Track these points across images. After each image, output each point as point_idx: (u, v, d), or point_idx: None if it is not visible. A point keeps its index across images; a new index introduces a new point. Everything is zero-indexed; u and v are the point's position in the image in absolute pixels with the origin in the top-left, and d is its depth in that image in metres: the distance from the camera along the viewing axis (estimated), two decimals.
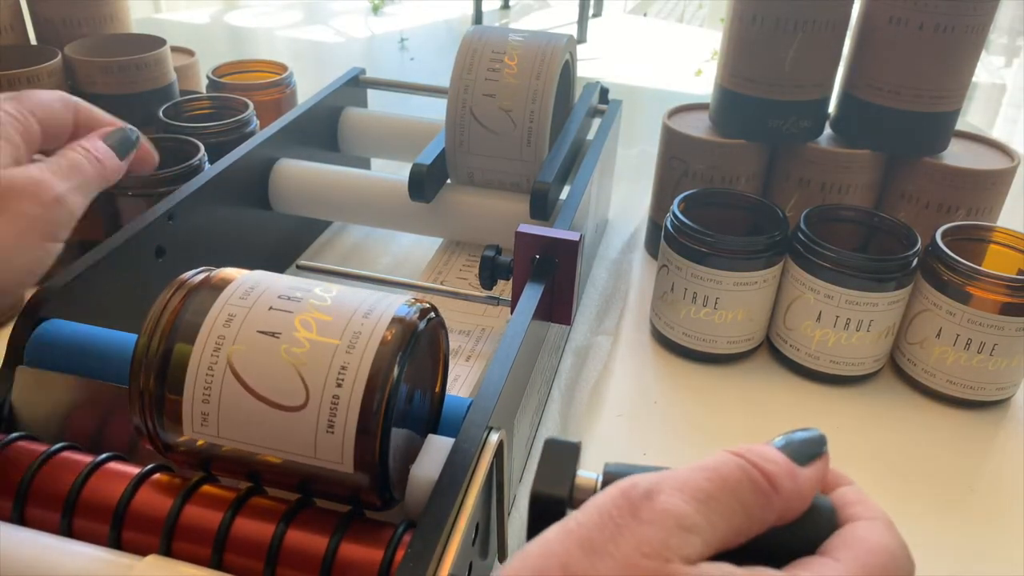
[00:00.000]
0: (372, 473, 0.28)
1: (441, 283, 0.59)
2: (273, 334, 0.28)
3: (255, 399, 0.28)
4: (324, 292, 0.30)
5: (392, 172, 0.74)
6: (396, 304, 0.30)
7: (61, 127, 0.35)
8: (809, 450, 0.22)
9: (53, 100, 0.35)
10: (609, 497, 0.20)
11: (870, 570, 0.20)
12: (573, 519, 0.20)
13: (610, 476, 0.24)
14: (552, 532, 0.19)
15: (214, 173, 0.53)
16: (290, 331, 0.28)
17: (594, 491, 0.24)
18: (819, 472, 0.22)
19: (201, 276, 0.31)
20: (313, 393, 0.28)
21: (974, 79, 0.60)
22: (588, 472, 0.24)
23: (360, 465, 0.28)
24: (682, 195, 0.57)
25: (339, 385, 0.28)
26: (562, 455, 0.24)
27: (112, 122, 0.37)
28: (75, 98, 0.36)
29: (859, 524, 0.21)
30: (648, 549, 0.18)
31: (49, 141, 0.34)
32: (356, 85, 0.73)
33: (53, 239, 0.32)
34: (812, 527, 0.21)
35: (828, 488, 0.23)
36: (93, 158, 0.34)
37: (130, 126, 0.36)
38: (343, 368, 0.28)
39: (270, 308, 0.29)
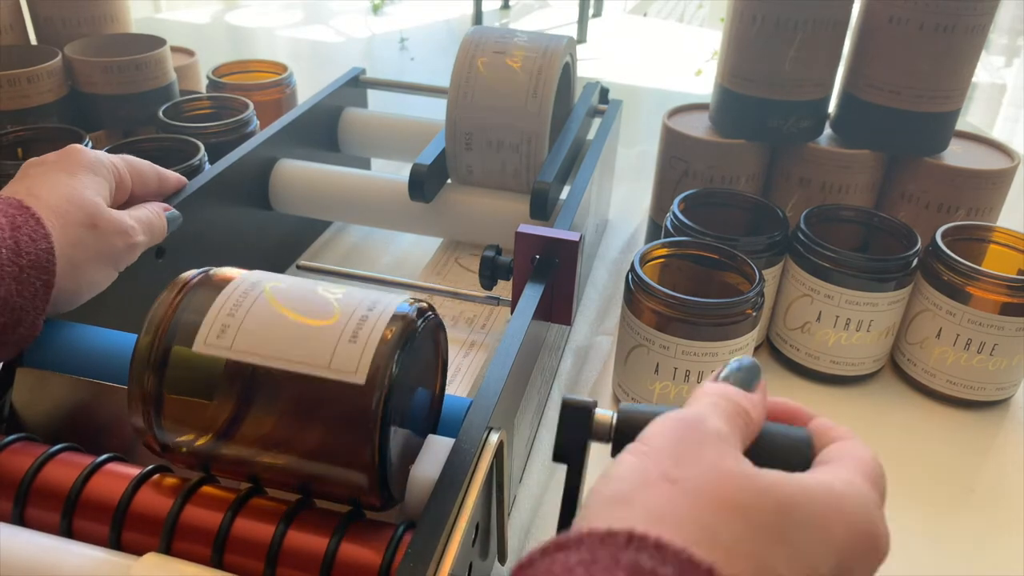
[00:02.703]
0: (381, 388, 0.28)
1: (440, 283, 0.59)
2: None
3: (285, 315, 0.29)
4: (324, 292, 0.30)
5: (392, 172, 0.74)
6: (395, 303, 0.30)
7: (146, 191, 0.44)
8: (752, 378, 0.26)
9: (147, 168, 0.44)
10: (668, 426, 0.23)
11: (865, 470, 0.24)
12: (644, 444, 0.23)
13: (624, 413, 0.28)
14: (629, 455, 0.22)
15: (214, 173, 0.53)
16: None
17: (610, 426, 0.28)
18: (764, 395, 0.27)
19: (200, 276, 0.31)
20: (344, 312, 0.29)
21: (974, 79, 0.60)
22: (604, 410, 0.28)
23: (373, 376, 0.28)
24: (682, 195, 0.57)
25: (369, 310, 0.29)
26: (580, 404, 0.29)
27: (177, 184, 0.48)
28: (161, 169, 0.46)
29: (844, 443, 0.26)
30: (727, 457, 0.22)
31: (129, 199, 0.43)
32: (356, 85, 0.73)
33: (116, 272, 0.40)
34: (777, 447, 0.26)
35: (803, 422, 0.28)
36: (159, 224, 0.43)
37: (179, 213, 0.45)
38: (374, 304, 0.30)
39: None
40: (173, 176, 0.47)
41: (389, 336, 0.28)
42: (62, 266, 0.35)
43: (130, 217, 0.40)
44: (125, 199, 0.43)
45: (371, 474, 0.28)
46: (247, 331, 0.29)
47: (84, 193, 0.37)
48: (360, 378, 0.28)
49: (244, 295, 0.30)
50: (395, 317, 0.29)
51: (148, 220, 0.42)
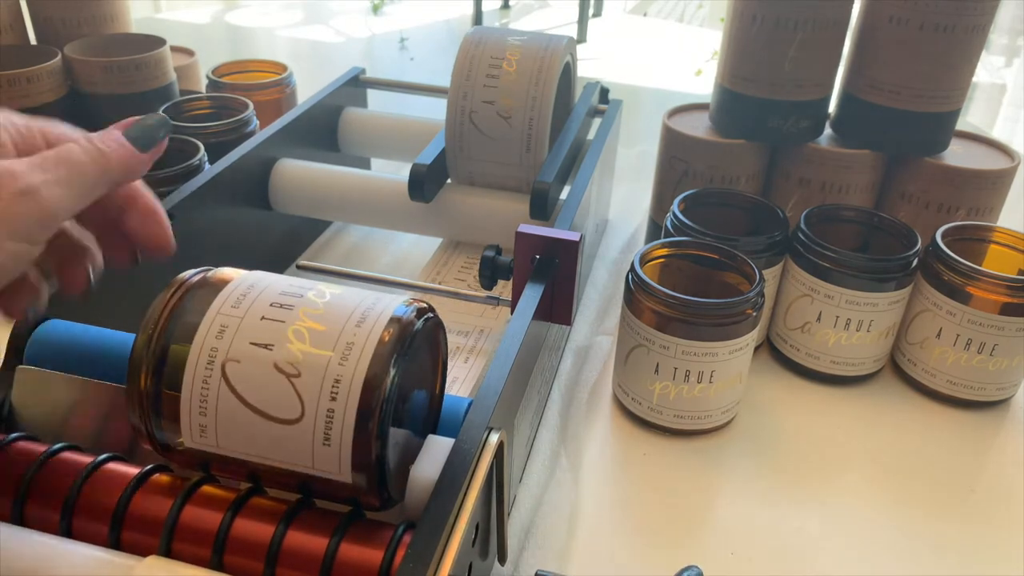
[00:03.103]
0: (370, 477, 0.28)
1: (440, 283, 0.59)
2: (266, 346, 0.28)
3: (251, 412, 0.28)
4: (318, 297, 0.30)
5: (392, 172, 0.74)
6: (393, 305, 0.30)
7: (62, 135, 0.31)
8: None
9: (67, 130, 0.31)
10: None
11: None
12: None
13: None
14: None
15: (214, 173, 0.53)
16: (283, 343, 0.28)
17: None
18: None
19: (199, 276, 0.31)
20: (308, 407, 0.28)
21: (974, 79, 0.60)
22: None
23: (358, 472, 0.28)
24: (682, 195, 0.57)
25: (333, 399, 0.27)
26: None
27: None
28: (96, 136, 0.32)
29: None
30: None
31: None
32: (356, 85, 0.73)
33: (20, 238, 0.27)
34: None
35: None
36: (94, 148, 0.30)
37: (161, 115, 0.33)
38: (337, 381, 0.28)
39: (262, 318, 0.29)
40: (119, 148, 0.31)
41: (386, 339, 0.28)
42: None
43: (7, 161, 0.27)
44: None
45: (370, 475, 0.28)
46: (225, 432, 0.28)
47: None
48: (346, 477, 0.28)
49: (206, 384, 0.28)
50: (392, 320, 0.29)
51: (57, 154, 0.28)
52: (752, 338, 0.48)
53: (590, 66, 1.33)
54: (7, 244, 0.26)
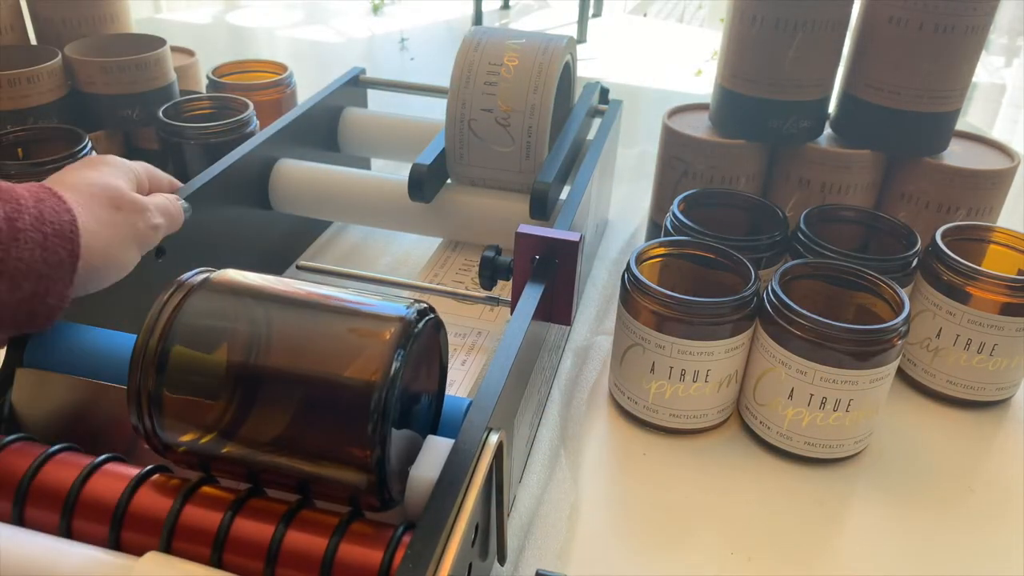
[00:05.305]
0: (370, 476, 0.28)
1: (440, 283, 0.59)
2: None
3: None
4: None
5: (392, 172, 0.74)
6: (395, 304, 0.30)
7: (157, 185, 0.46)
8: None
9: (163, 176, 0.46)
10: None
11: None
12: None
13: None
14: None
15: (214, 173, 0.53)
16: None
17: None
18: None
19: (200, 277, 0.31)
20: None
21: (974, 79, 0.60)
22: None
23: (371, 381, 0.28)
24: (682, 195, 0.57)
25: None
26: None
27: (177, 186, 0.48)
28: (174, 180, 0.47)
29: None
30: None
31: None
32: (356, 85, 0.73)
33: (140, 253, 0.40)
34: None
35: None
36: (175, 211, 0.44)
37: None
38: None
39: None
40: (177, 184, 0.49)
41: (388, 337, 0.28)
42: (87, 240, 0.36)
43: (151, 202, 0.42)
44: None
45: (370, 474, 0.28)
46: None
47: (106, 179, 0.39)
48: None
49: None
50: (394, 319, 0.29)
51: (164, 206, 0.43)
52: (748, 337, 0.48)
53: (590, 66, 1.33)
54: (136, 253, 0.40)
